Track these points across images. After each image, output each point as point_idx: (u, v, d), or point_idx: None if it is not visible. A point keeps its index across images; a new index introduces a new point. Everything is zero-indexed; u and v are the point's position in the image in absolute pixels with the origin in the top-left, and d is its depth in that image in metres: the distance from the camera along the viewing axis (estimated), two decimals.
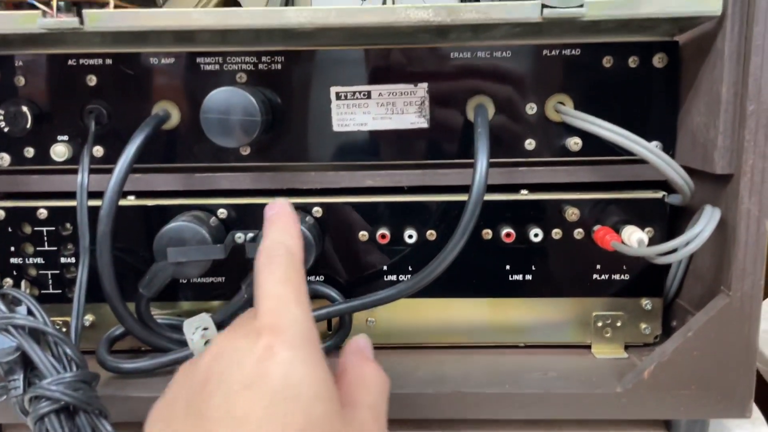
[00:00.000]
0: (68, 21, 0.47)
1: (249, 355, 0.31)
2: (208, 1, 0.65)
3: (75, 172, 0.56)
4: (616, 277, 0.57)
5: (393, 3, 0.69)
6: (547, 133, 0.55)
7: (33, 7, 0.54)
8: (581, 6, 0.46)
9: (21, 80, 0.55)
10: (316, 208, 0.57)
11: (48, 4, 0.54)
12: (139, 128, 0.52)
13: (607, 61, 0.54)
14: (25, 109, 0.54)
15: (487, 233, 0.57)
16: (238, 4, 0.68)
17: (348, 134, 0.56)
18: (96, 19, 0.48)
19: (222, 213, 0.57)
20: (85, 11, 0.48)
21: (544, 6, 0.46)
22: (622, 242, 0.53)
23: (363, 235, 0.57)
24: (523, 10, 0.47)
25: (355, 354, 0.40)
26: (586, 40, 0.53)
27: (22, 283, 0.58)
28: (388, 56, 0.55)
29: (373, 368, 0.38)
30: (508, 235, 0.56)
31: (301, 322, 0.33)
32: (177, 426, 0.31)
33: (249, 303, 0.56)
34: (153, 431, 0.32)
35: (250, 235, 0.56)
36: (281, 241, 0.38)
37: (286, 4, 0.70)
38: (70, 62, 0.55)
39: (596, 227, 0.55)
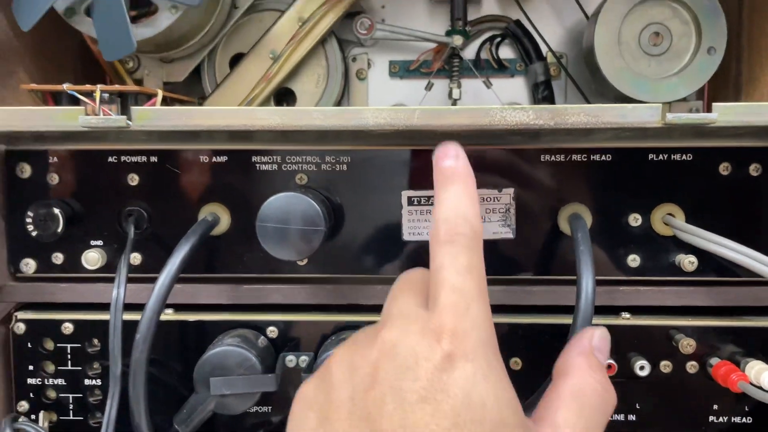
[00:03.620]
0: (114, 119, 0.41)
1: (425, 361, 0.28)
2: (261, 91, 0.59)
3: (107, 281, 0.49)
4: (737, 419, 0.48)
5: (457, 99, 0.63)
6: (655, 249, 0.48)
7: (73, 98, 0.48)
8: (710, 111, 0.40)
9: (54, 178, 0.49)
10: None
11: (90, 95, 0.48)
12: (185, 237, 0.45)
13: (724, 168, 0.47)
14: (57, 211, 0.48)
15: None
16: (291, 94, 0.63)
17: (420, 244, 0.49)
18: (145, 118, 0.42)
19: (272, 331, 0.50)
20: (133, 108, 0.42)
21: (666, 110, 0.40)
22: (751, 383, 0.44)
23: None
24: (642, 114, 0.40)
25: (585, 356, 0.33)
26: (700, 144, 0.46)
27: (40, 414, 0.50)
28: (469, 157, 0.48)
29: (601, 382, 0.32)
30: (608, 367, 0.47)
31: (483, 325, 0.30)
32: (339, 425, 0.28)
33: None
34: (307, 418, 0.30)
35: (304, 359, 0.48)
36: (465, 215, 0.34)
37: (341, 98, 0.64)
38: (110, 159, 0.49)
39: (714, 360, 0.47)
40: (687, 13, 0.56)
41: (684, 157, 0.47)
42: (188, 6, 0.49)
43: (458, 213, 0.34)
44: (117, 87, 0.48)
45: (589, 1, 0.64)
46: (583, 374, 0.32)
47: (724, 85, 0.60)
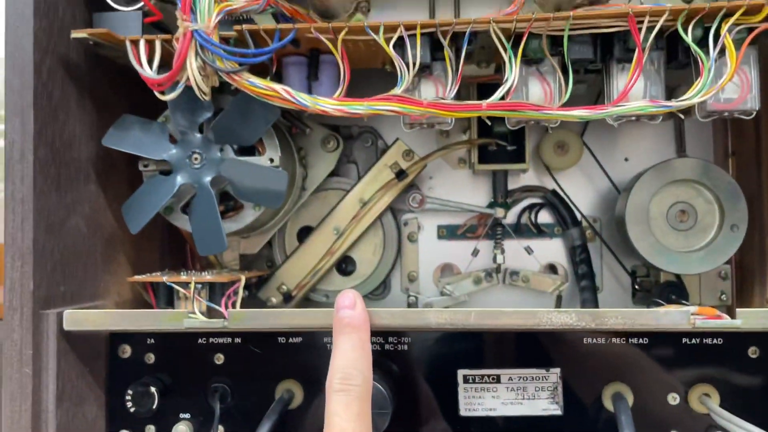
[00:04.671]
0: (213, 323, 0.48)
1: None
2: (325, 263, 0.67)
3: None
4: None
5: (501, 263, 0.70)
6: (694, 426, 0.52)
7: (170, 292, 0.56)
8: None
9: (151, 358, 0.56)
10: None
11: (185, 285, 0.55)
12: (266, 416, 0.51)
13: (753, 352, 0.51)
14: (153, 389, 0.54)
15: None
16: (351, 259, 0.70)
17: (475, 419, 0.53)
18: (239, 319, 0.49)
19: None
20: (230, 311, 0.49)
21: (694, 314, 0.45)
22: None
23: None
24: (673, 319, 0.45)
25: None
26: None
27: None
28: (519, 340, 0.54)
29: None
30: None
31: None
32: None
33: None
34: None
35: None
36: (359, 367, 0.40)
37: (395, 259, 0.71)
38: (200, 341, 0.56)
39: None
40: (710, 194, 0.62)
41: (715, 341, 0.51)
42: (270, 207, 0.57)
43: (353, 365, 0.40)
44: (208, 278, 0.56)
45: (617, 172, 0.71)
46: None
47: (750, 252, 0.65)
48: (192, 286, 0.55)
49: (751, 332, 0.51)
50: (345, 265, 0.71)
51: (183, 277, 0.55)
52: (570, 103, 0.64)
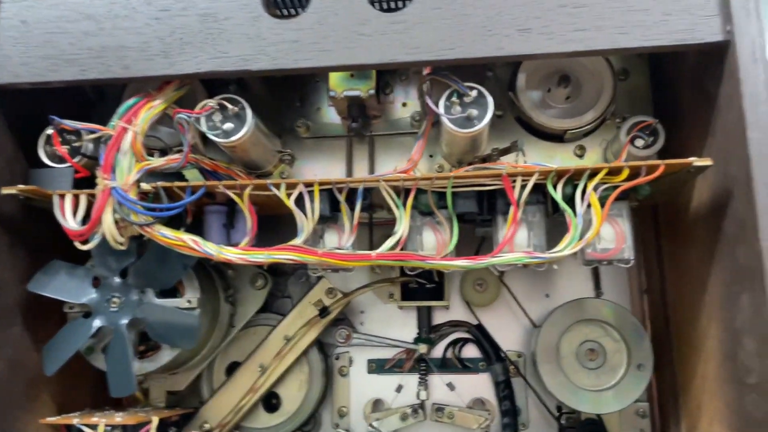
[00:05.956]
0: None
1: None
2: (248, 401, 0.68)
3: None
4: None
5: (424, 399, 0.70)
6: None
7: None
8: None
9: None
10: None
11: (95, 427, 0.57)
12: None
13: None
14: None
15: None
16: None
17: None
18: None
19: None
20: None
21: None
22: None
23: None
24: None
25: None
26: None
27: None
28: None
29: None
30: None
31: None
32: None
33: None
34: None
35: None
36: None
37: (324, 394, 0.72)
38: None
39: None
40: (617, 333, 0.64)
41: None
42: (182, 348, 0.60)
43: None
44: (118, 421, 0.57)
45: (539, 308, 0.73)
46: None
47: (664, 390, 0.66)
48: (101, 429, 0.56)
49: None
50: (273, 398, 0.72)
51: (93, 419, 0.57)
52: (486, 246, 0.68)
